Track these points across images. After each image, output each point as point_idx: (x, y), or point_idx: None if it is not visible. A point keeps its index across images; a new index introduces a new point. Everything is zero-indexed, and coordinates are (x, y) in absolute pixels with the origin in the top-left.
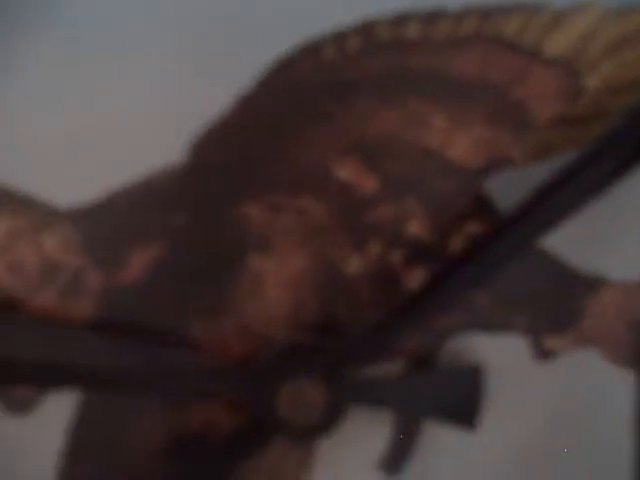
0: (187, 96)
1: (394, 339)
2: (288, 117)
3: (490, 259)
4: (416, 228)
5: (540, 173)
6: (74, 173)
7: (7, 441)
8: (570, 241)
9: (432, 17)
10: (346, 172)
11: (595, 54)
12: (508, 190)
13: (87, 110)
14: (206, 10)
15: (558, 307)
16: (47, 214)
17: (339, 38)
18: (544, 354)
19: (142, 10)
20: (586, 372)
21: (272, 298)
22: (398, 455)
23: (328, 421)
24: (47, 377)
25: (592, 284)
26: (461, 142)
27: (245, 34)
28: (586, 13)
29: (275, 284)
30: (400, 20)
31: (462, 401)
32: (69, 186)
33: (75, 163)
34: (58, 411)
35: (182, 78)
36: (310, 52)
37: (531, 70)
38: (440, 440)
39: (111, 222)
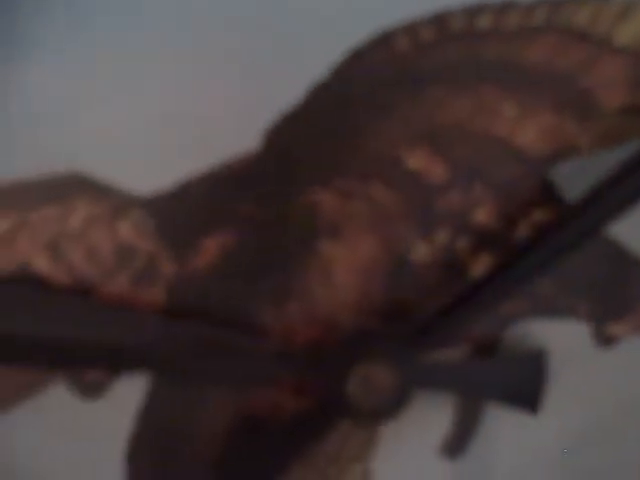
0: (262, 84)
1: (460, 325)
2: (360, 106)
3: (555, 247)
4: (483, 216)
5: (607, 161)
6: (151, 161)
7: (78, 425)
8: (632, 228)
9: (504, 8)
10: (415, 160)
11: None
12: (576, 178)
13: (164, 96)
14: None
15: (620, 293)
16: (123, 201)
17: (412, 29)
18: (606, 340)
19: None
20: None
21: (340, 284)
22: (460, 439)
23: (395, 405)
24: (118, 362)
25: None
26: (529, 130)
27: (319, 26)
28: None
29: (344, 270)
30: (473, 11)
31: (524, 386)
32: (146, 174)
33: (152, 151)
34: (129, 395)
35: (258, 66)
36: (383, 43)
37: (600, 59)
38: (501, 425)
39: (185, 209)
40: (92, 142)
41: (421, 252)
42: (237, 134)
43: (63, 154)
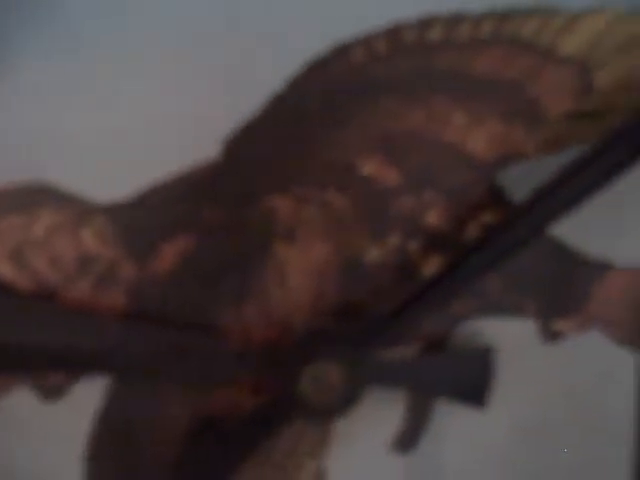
0: (220, 95)
1: (411, 324)
2: (317, 116)
3: (502, 247)
4: (434, 219)
5: (552, 165)
6: (113, 170)
7: (39, 426)
8: (579, 228)
9: (454, 20)
10: (370, 167)
11: (606, 53)
12: (523, 181)
13: (125, 109)
14: (234, 11)
15: (566, 291)
16: (86, 210)
17: (367, 42)
18: (552, 336)
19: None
20: (590, 353)
21: (295, 286)
22: (411, 435)
23: (346, 402)
24: (80, 365)
25: (598, 269)
26: (479, 137)
27: (277, 37)
28: (598, 16)
29: (299, 273)
30: (424, 24)
31: (473, 382)
32: (108, 183)
33: (114, 160)
34: (89, 397)
35: (214, 78)
36: (340, 54)
37: (546, 69)
38: (452, 421)
39: (145, 216)
40: (58, 152)
41: (374, 254)
42: (197, 144)
43: (29, 163)
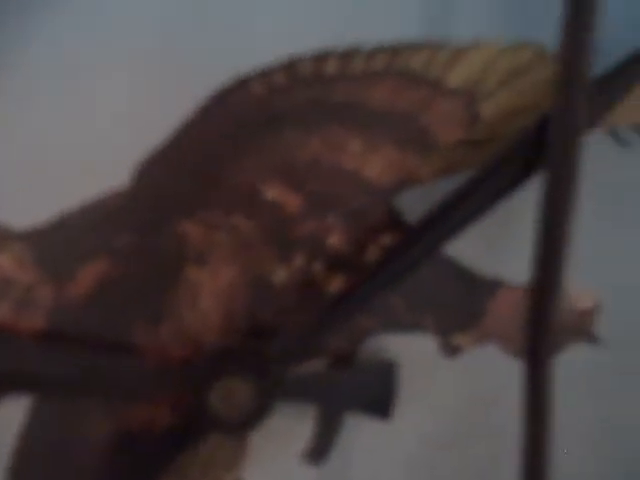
0: (135, 121)
1: (317, 340)
2: (223, 144)
3: (402, 266)
4: (336, 241)
5: (445, 188)
6: (29, 196)
7: None
8: (472, 247)
9: (348, 54)
10: (274, 192)
11: (491, 84)
12: (418, 204)
13: (38, 135)
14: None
15: (462, 308)
16: (3, 235)
17: (266, 74)
18: (451, 350)
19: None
20: (487, 365)
21: (207, 306)
22: (321, 446)
23: (257, 417)
24: (2, 385)
25: (491, 286)
26: (375, 164)
27: (186, 67)
28: (483, 49)
29: (209, 294)
30: (320, 57)
31: (378, 395)
32: (24, 208)
33: (29, 187)
34: (12, 414)
35: (132, 103)
36: (240, 87)
37: (435, 100)
38: (360, 433)
39: (62, 241)
40: None
41: (281, 275)
42: (109, 170)
43: None
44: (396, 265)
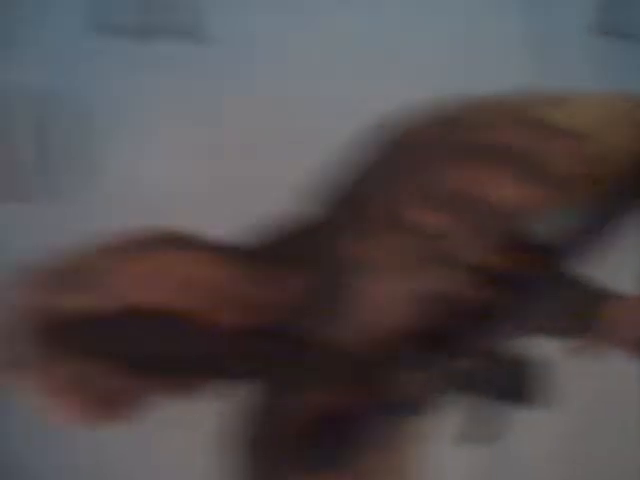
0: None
1: (477, 342)
2: (387, 174)
3: (548, 282)
4: (476, 258)
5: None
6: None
7: None
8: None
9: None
10: (421, 215)
11: (600, 127)
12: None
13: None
14: None
15: (580, 314)
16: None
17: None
18: (576, 353)
19: None
20: (612, 366)
21: (390, 312)
22: (476, 432)
23: (429, 404)
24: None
25: (605, 295)
26: (506, 192)
27: None
28: (592, 96)
29: (387, 302)
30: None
31: (525, 387)
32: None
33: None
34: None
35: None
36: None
37: (553, 139)
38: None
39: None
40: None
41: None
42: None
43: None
44: (543, 282)
